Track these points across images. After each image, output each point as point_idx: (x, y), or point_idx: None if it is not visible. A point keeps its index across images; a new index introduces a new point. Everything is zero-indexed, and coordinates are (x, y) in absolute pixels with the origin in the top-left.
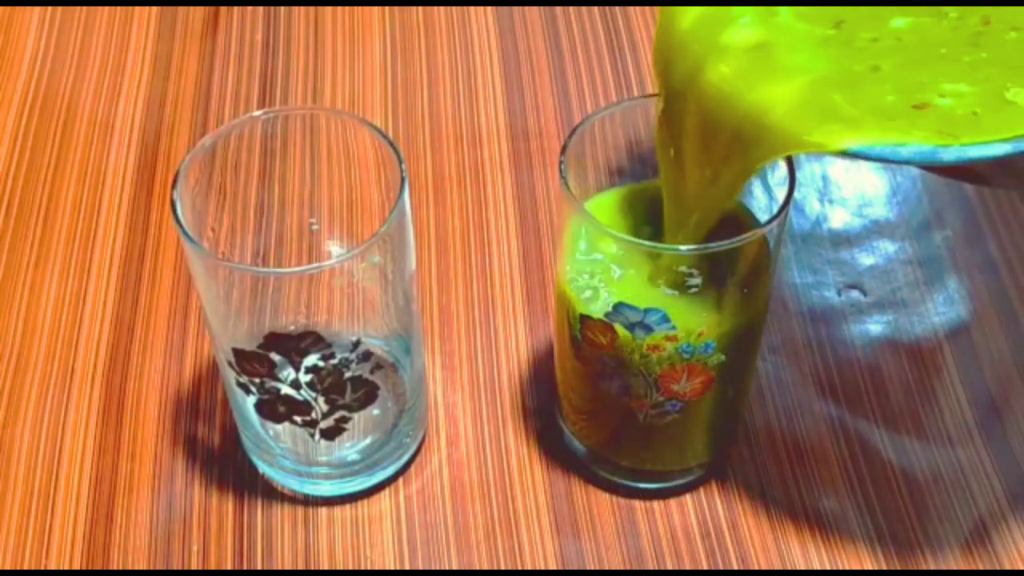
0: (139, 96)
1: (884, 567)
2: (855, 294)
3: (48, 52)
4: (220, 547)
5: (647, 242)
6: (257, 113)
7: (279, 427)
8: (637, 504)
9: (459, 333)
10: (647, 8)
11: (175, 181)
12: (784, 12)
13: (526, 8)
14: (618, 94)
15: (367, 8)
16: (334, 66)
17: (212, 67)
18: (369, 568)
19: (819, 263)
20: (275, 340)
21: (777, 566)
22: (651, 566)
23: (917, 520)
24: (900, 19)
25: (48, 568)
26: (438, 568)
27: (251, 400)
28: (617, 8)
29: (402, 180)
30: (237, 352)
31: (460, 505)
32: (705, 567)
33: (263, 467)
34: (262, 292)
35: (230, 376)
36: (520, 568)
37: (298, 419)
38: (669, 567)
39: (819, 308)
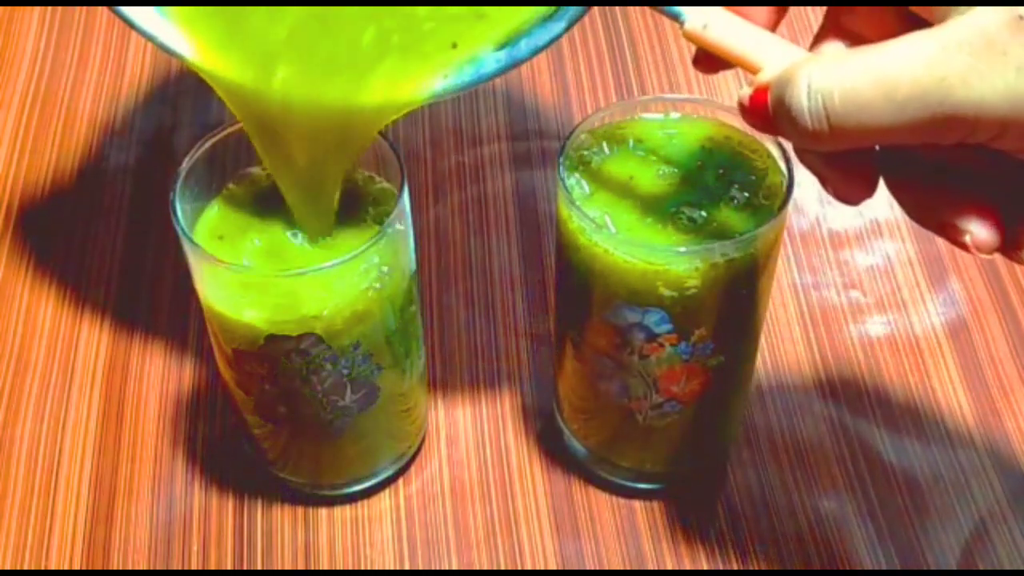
0: (139, 96)
1: (884, 567)
2: (855, 294)
3: (48, 52)
4: (220, 547)
5: (645, 244)
6: None
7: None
8: (637, 504)
9: (459, 333)
10: (647, 8)
11: (175, 181)
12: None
13: None
14: (618, 94)
15: None
16: None
17: None
18: (369, 568)
19: (819, 263)
20: (275, 340)
21: (777, 566)
22: (651, 566)
23: (917, 520)
24: None
25: (48, 568)
26: (438, 568)
27: (251, 400)
28: (617, 8)
29: (402, 180)
30: (237, 352)
31: (460, 505)
32: (705, 567)
33: (263, 467)
34: (262, 292)
35: (230, 376)
36: (520, 568)
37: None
38: (669, 567)
39: (819, 308)
